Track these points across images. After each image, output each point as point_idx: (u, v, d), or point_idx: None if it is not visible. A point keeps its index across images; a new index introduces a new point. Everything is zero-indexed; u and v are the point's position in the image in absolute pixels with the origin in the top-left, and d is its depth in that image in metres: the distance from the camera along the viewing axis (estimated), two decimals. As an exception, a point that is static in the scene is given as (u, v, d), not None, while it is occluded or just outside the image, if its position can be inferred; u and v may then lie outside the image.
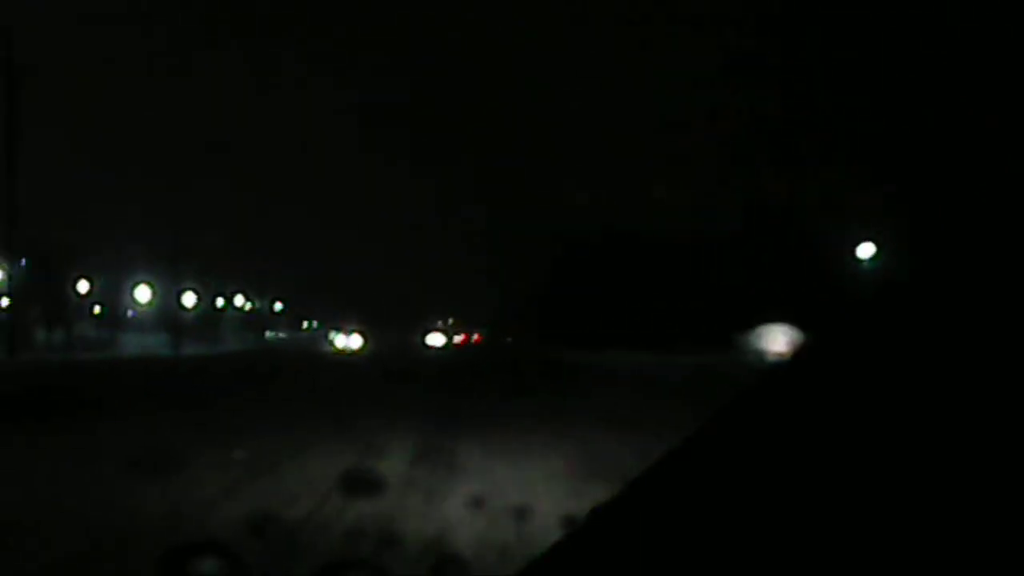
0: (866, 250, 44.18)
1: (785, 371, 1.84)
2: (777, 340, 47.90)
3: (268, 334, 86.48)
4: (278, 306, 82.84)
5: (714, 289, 53.21)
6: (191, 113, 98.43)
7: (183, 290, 58.89)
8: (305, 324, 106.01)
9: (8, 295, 40.23)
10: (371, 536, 6.63)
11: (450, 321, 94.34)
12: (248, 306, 73.77)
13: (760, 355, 44.90)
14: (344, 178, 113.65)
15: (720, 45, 43.01)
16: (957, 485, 1.45)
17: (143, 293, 53.42)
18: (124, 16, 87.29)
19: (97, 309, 59.19)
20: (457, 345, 78.00)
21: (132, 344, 51.32)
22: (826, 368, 1.75)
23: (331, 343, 59.91)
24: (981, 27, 29.81)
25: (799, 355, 1.93)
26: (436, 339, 76.18)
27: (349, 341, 59.30)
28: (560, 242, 65.69)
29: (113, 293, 56.51)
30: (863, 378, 1.66)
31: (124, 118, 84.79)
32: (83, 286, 49.51)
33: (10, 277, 39.82)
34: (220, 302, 68.23)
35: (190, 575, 2.88)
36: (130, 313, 61.06)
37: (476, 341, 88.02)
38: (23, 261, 41.66)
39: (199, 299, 60.20)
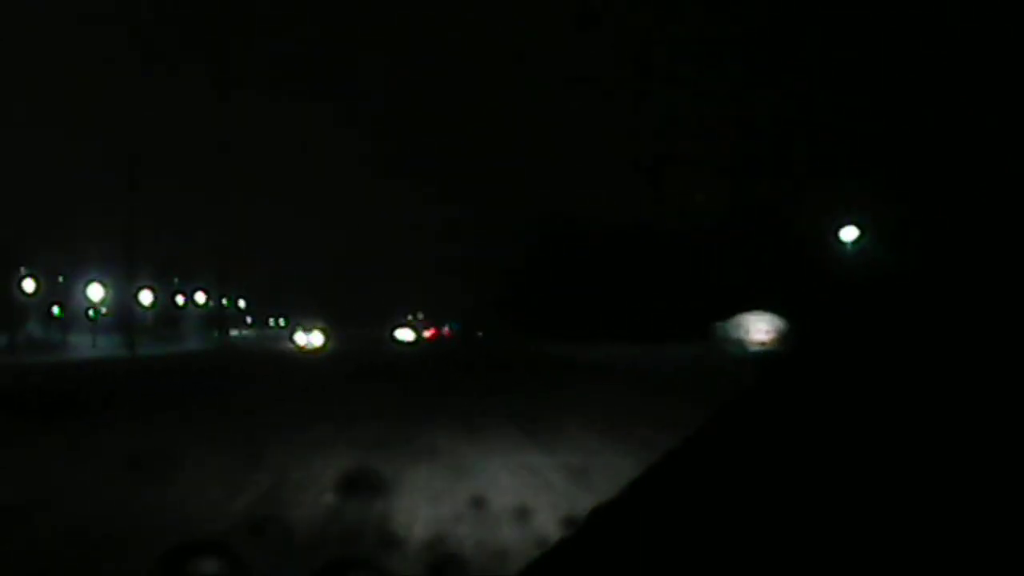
0: (849, 233, 42.58)
1: (781, 371, 2.01)
2: (756, 329, 46.82)
3: (233, 332, 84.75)
4: (242, 304, 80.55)
5: (695, 279, 51.99)
6: (178, 113, 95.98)
7: (140, 288, 56.55)
8: (272, 322, 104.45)
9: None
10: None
11: (420, 316, 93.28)
12: (210, 304, 71.34)
13: (739, 344, 43.68)
14: (314, 176, 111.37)
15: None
16: (956, 484, 1.47)
17: (95, 291, 51.05)
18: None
19: (56, 310, 56.86)
20: (428, 339, 76.61)
21: (84, 346, 48.98)
22: (822, 368, 1.86)
23: (293, 341, 57.83)
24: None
25: (794, 354, 2.33)
26: (405, 334, 74.50)
27: (311, 339, 57.27)
28: (535, 235, 64.83)
29: (70, 293, 54.23)
30: (860, 376, 1.75)
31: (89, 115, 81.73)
32: (28, 285, 47.15)
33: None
34: (180, 300, 65.88)
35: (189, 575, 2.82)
36: (91, 313, 58.29)
37: (447, 336, 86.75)
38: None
39: (156, 297, 57.96)
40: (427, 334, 77.50)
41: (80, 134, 74.91)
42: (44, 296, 50.81)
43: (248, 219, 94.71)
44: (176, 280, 69.14)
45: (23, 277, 46.83)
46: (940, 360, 1.70)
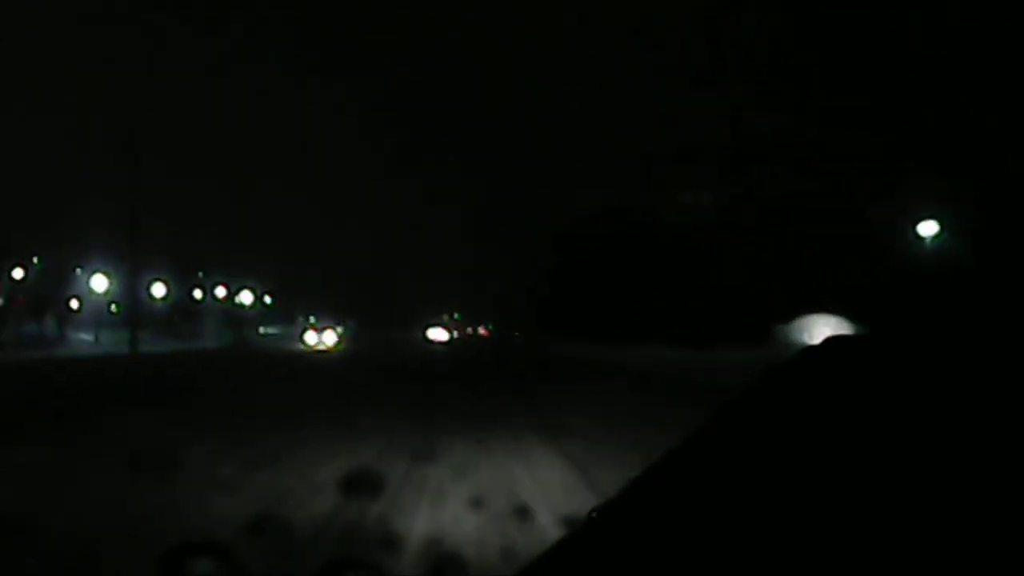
0: (928, 228, 38.13)
1: (780, 372, 1.90)
2: (823, 332, 42.82)
3: (262, 329, 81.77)
4: (268, 300, 76.60)
5: (753, 277, 47.85)
6: (187, 110, 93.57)
7: (152, 280, 53.02)
8: (300, 320, 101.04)
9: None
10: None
11: (456, 316, 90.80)
12: (237, 300, 67.71)
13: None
14: (342, 176, 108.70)
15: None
16: (958, 488, 1.46)
17: (99, 282, 47.40)
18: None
19: (75, 304, 53.61)
20: (463, 338, 73.80)
21: (86, 342, 45.23)
22: (828, 368, 1.85)
23: (302, 340, 53.62)
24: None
25: (798, 355, 1.95)
26: (439, 334, 70.91)
27: (323, 338, 53.11)
28: (567, 234, 61.86)
29: (75, 286, 50.79)
30: (867, 379, 1.74)
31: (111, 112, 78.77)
32: (18, 273, 43.55)
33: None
34: (198, 294, 62.08)
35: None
36: (113, 307, 55.02)
37: (484, 336, 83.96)
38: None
39: (169, 290, 54.31)
40: (456, 333, 73.63)
41: (84, 131, 70.87)
42: (41, 288, 47.17)
43: (267, 217, 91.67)
44: (201, 274, 65.86)
45: (13, 266, 43.12)
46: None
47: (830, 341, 1.94)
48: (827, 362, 1.85)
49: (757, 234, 50.63)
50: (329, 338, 52.96)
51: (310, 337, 52.84)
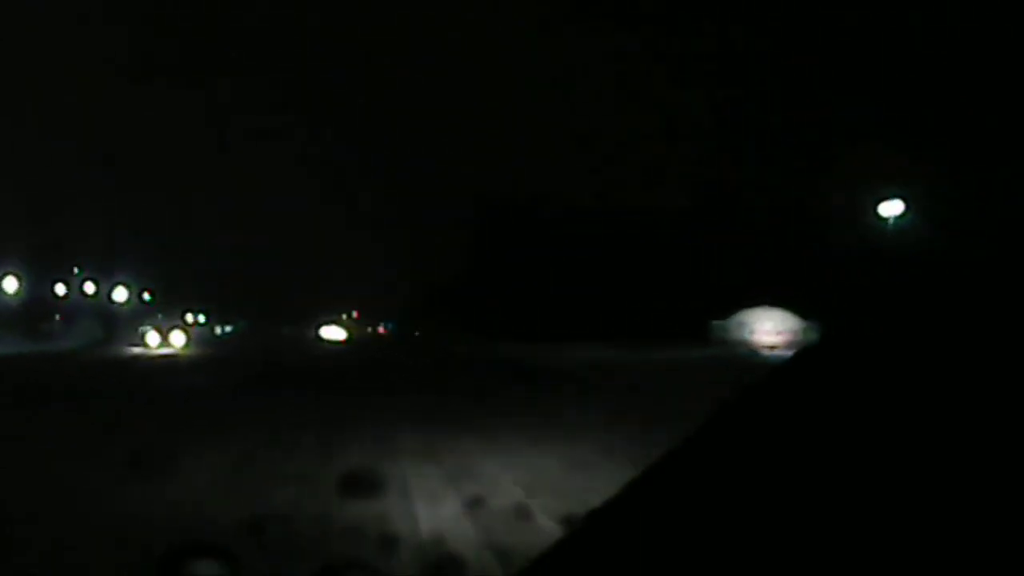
0: (891, 208, 33.74)
1: (780, 372, 1.89)
2: (763, 328, 38.73)
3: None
4: (147, 296, 69.72)
5: (686, 270, 43.79)
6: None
7: (3, 274, 46.68)
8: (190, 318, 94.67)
9: None
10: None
11: (354, 315, 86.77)
12: (111, 297, 61.05)
13: (743, 346, 35.29)
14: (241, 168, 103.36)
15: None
16: (958, 488, 1.47)
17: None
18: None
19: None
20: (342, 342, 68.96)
21: None
22: (828, 368, 1.85)
23: (143, 338, 46.71)
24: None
25: (801, 354, 1.96)
26: (333, 332, 65.69)
27: (170, 338, 46.48)
28: (486, 217, 57.57)
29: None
30: (867, 379, 1.73)
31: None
32: None
33: None
34: (61, 289, 55.11)
35: None
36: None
37: (382, 334, 79.88)
38: None
39: (20, 284, 47.75)
40: (340, 335, 67.96)
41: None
42: None
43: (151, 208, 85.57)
44: (77, 270, 59.21)
45: None
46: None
47: (830, 340, 2.15)
48: (827, 362, 1.88)
49: (688, 223, 46.69)
50: (177, 339, 46.31)
51: (152, 338, 45.92)
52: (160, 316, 58.11)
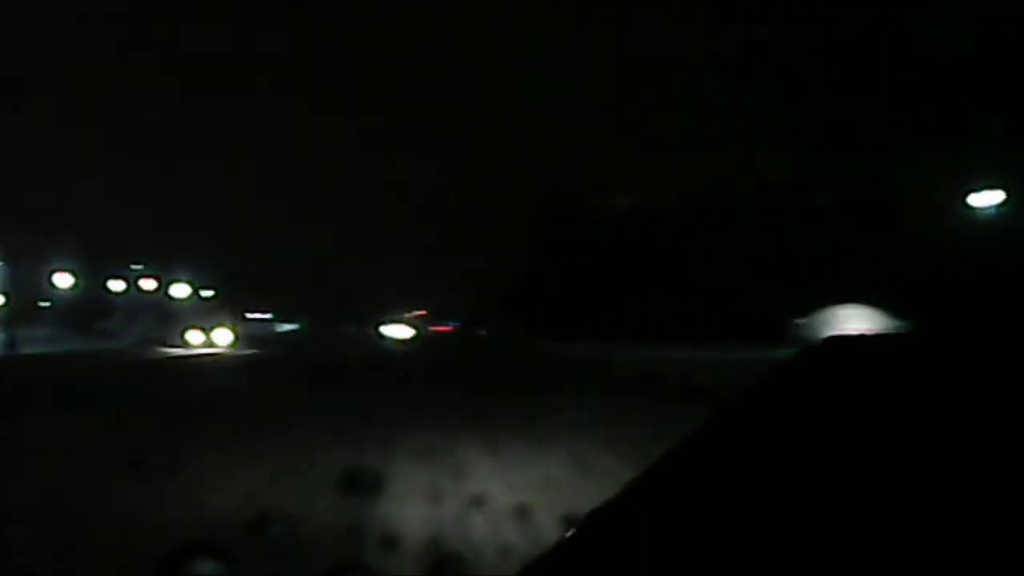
0: (985, 198, 31.34)
1: (780, 372, 1.89)
2: (851, 327, 36.40)
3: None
4: (207, 293, 69.01)
5: (763, 265, 41.82)
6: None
7: (55, 269, 45.81)
8: (252, 316, 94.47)
9: None
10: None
11: (420, 311, 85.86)
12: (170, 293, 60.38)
13: None
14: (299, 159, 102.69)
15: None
16: (957, 488, 1.46)
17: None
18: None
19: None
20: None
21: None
22: (828, 368, 1.85)
23: (183, 336, 45.47)
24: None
25: (798, 356, 1.95)
26: (398, 331, 64.67)
27: (213, 336, 45.14)
28: (550, 219, 56.32)
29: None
30: (867, 379, 1.74)
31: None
32: None
33: None
34: (119, 285, 54.31)
35: None
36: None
37: (447, 332, 79.01)
38: None
39: (76, 280, 46.93)
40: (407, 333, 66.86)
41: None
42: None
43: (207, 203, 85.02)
44: (142, 267, 58.84)
45: None
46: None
47: (830, 341, 1.95)
48: (827, 362, 1.85)
49: (766, 221, 44.61)
50: (222, 337, 44.73)
51: (193, 336, 44.33)
52: (222, 312, 57.62)
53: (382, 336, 63.36)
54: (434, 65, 78.93)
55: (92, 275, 51.13)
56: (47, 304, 51.52)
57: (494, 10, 63.85)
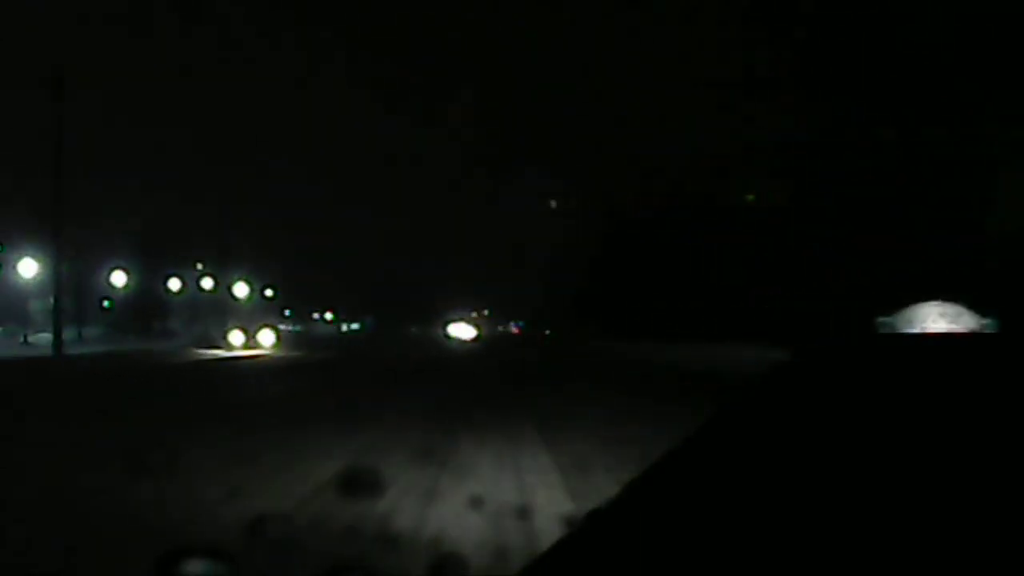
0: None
1: (779, 373, 1.93)
2: (938, 325, 34.25)
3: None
4: (269, 293, 67.96)
5: (838, 260, 39.73)
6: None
7: (112, 268, 44.97)
8: (316, 316, 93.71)
9: None
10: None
11: (486, 313, 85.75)
12: (232, 292, 59.41)
13: None
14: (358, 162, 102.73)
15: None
16: (957, 488, 1.47)
17: (27, 267, 38.92)
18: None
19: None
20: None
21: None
22: (826, 369, 1.87)
23: (225, 338, 44.11)
24: None
25: (796, 358, 2.00)
26: (462, 331, 64.21)
27: (260, 339, 43.56)
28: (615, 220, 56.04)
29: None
30: (864, 381, 1.77)
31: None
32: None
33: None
34: (175, 284, 53.31)
35: None
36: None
37: (515, 334, 79.25)
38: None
39: (129, 279, 45.96)
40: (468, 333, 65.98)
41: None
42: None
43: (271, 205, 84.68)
44: (200, 266, 57.81)
45: None
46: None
47: (825, 346, 2.07)
48: (825, 364, 1.87)
49: (845, 215, 42.44)
50: (266, 338, 43.16)
51: (235, 338, 42.85)
52: (286, 313, 56.42)
53: (448, 336, 63.23)
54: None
55: (150, 274, 50.21)
56: (107, 303, 50.86)
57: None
